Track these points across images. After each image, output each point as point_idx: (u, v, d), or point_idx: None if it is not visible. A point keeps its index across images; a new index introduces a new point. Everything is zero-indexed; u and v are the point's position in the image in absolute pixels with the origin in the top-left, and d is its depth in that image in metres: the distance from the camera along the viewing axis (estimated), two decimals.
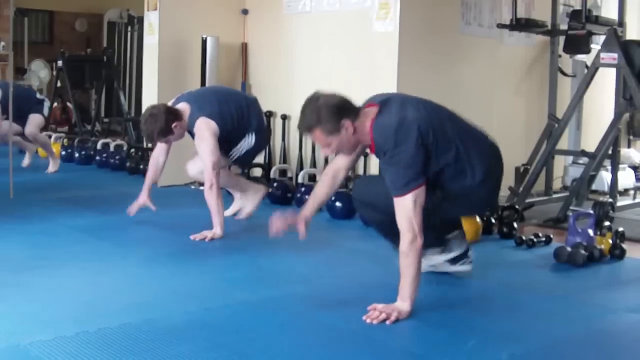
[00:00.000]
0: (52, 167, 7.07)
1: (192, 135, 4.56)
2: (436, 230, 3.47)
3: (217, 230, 4.38)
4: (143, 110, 7.22)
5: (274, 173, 5.76)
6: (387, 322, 2.93)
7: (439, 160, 3.12)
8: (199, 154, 4.53)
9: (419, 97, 3.32)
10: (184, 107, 4.55)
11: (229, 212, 4.91)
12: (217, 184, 4.39)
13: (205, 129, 4.43)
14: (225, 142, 4.61)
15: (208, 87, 5.62)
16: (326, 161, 5.93)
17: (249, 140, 4.69)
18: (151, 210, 4.77)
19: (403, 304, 3.00)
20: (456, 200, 3.30)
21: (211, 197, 4.39)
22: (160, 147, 4.74)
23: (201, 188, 6.26)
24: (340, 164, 3.40)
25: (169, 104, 4.62)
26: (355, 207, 3.80)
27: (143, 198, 4.79)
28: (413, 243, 2.97)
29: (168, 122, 4.40)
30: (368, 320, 2.95)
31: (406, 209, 2.99)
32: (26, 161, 7.31)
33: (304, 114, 3.11)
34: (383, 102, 3.16)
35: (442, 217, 3.39)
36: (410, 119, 3.04)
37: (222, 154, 4.59)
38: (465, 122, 3.35)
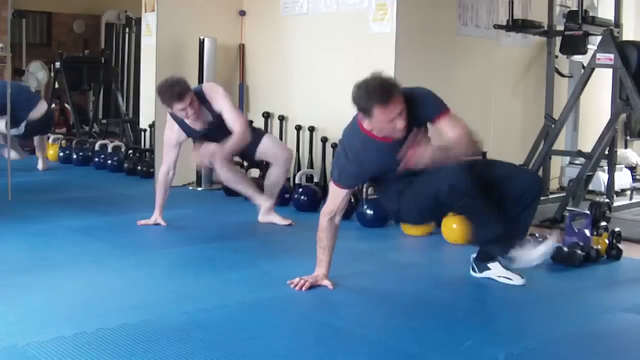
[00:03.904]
0: (41, 164, 7.14)
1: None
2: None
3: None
4: (141, 112, 7.30)
5: None
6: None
7: None
8: (224, 107, 4.60)
9: None
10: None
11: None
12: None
13: (216, 85, 4.76)
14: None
15: None
16: (323, 160, 5.95)
17: None
18: (149, 212, 4.77)
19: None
20: None
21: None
22: (169, 162, 4.73)
23: (199, 189, 6.29)
24: (332, 209, 3.44)
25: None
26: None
27: (156, 218, 4.76)
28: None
29: (185, 82, 4.57)
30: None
31: (461, 122, 3.29)
32: (40, 165, 7.29)
33: (388, 83, 3.20)
34: None
35: None
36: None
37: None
38: None
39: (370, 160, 3.35)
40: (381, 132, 3.27)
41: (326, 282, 3.42)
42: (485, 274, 3.64)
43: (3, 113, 6.14)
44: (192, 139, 4.74)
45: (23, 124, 6.82)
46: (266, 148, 4.88)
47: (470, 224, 3.56)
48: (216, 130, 4.62)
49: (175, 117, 4.65)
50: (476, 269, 3.68)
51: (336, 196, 3.42)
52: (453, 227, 4.45)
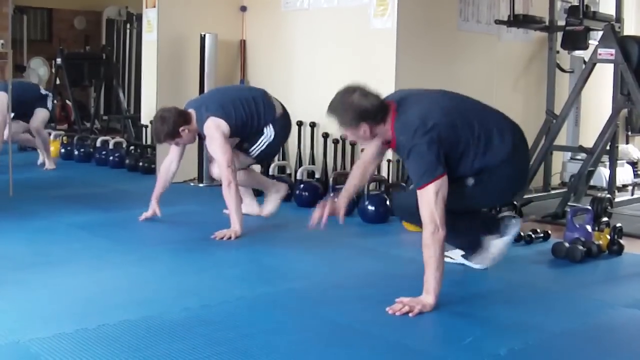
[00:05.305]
0: (49, 164, 7.12)
1: (203, 138, 4.57)
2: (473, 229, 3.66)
3: (236, 227, 4.36)
4: (142, 108, 7.31)
5: (272, 170, 5.76)
6: (410, 315, 2.98)
7: (458, 146, 3.20)
8: (210, 153, 4.54)
9: (435, 91, 3.48)
10: (192, 112, 4.55)
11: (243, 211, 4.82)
12: (234, 181, 4.38)
13: (214, 128, 4.43)
14: (243, 140, 4.61)
15: (213, 90, 5.22)
16: (324, 155, 5.95)
17: (268, 134, 4.65)
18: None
19: (427, 296, 3.05)
20: (484, 184, 3.36)
21: (229, 195, 4.38)
22: (173, 154, 4.72)
23: (200, 185, 6.30)
24: (369, 157, 3.59)
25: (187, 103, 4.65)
26: (397, 214, 4.09)
27: (152, 207, 4.75)
28: (434, 234, 3.03)
29: (176, 126, 4.44)
30: (390, 312, 3.00)
31: (427, 200, 3.06)
32: (42, 159, 7.30)
33: (335, 101, 3.24)
34: (401, 100, 3.27)
35: (473, 206, 3.53)
36: (432, 122, 3.14)
37: (243, 152, 4.63)
38: (486, 107, 3.49)
39: None
40: None
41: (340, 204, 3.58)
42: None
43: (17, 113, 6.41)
44: None
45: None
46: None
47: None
48: None
49: None
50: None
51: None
52: None
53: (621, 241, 4.20)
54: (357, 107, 3.18)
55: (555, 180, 6.68)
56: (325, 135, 5.96)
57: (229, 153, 4.42)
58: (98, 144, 7.68)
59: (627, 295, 3.47)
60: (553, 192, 6.17)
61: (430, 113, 3.19)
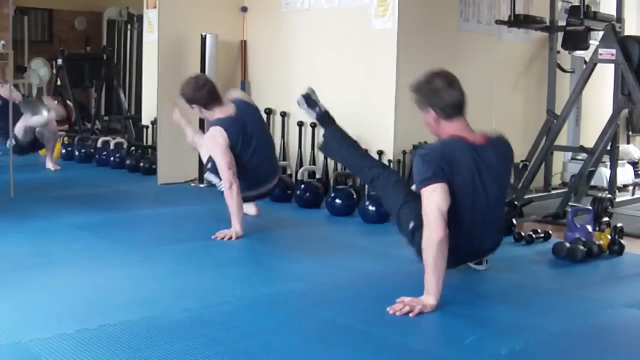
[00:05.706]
0: (52, 165, 7.10)
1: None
2: None
3: (237, 228, 4.37)
4: (143, 109, 7.31)
5: None
6: (411, 315, 2.98)
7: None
8: (211, 154, 4.56)
9: (490, 158, 3.36)
10: (226, 106, 4.65)
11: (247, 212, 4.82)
12: (235, 182, 4.40)
13: (220, 134, 4.49)
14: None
15: (261, 128, 4.91)
16: (325, 159, 5.95)
17: (218, 183, 4.61)
18: (151, 208, 4.77)
19: (427, 297, 3.06)
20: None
21: (230, 196, 4.40)
22: None
23: (201, 186, 6.30)
24: None
25: (234, 92, 4.94)
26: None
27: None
28: (430, 236, 3.04)
29: (193, 101, 4.63)
30: (390, 312, 3.01)
31: (423, 203, 3.11)
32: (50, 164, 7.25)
33: (420, 78, 3.31)
34: (487, 138, 3.39)
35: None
36: (455, 166, 3.19)
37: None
38: (497, 208, 3.46)
39: None
40: None
41: None
42: None
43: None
44: None
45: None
46: None
47: None
48: None
49: None
50: None
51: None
52: None
53: (622, 241, 4.21)
54: (432, 92, 3.25)
55: (555, 180, 6.69)
56: None
57: (229, 156, 4.44)
58: (99, 144, 7.68)
59: (627, 295, 3.47)
60: (554, 192, 6.17)
61: (460, 164, 3.21)
